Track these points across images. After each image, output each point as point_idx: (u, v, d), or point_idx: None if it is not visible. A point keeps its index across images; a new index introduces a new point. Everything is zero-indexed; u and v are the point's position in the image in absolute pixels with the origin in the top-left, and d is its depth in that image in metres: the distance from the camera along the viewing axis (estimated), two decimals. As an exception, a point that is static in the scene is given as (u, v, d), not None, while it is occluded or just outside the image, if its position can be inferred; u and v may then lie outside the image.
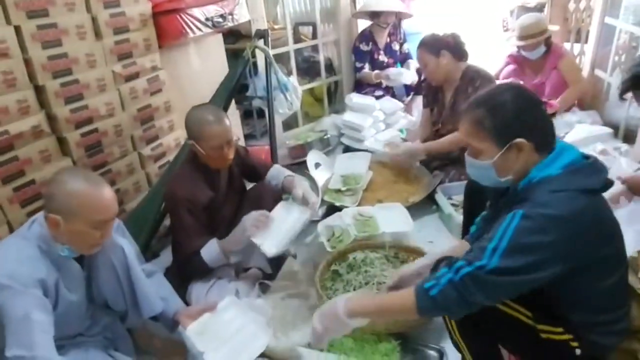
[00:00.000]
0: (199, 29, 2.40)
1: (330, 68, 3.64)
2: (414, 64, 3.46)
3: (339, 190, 2.51)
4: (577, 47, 3.15)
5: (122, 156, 2.25)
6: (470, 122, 1.18)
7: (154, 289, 1.54)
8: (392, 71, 3.28)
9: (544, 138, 1.15)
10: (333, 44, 3.55)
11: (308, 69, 3.62)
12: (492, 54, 3.50)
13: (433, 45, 2.43)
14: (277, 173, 2.09)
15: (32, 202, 1.84)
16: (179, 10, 2.29)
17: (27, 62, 1.76)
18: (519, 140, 1.11)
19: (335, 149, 3.09)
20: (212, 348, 1.44)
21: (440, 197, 2.35)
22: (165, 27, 2.30)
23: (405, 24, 4.50)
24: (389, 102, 3.19)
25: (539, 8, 3.58)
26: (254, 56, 2.32)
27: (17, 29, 1.71)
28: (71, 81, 1.92)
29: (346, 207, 2.37)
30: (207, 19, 2.44)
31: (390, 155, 2.65)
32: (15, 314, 1.15)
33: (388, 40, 3.44)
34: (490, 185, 1.24)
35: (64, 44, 1.88)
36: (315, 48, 3.49)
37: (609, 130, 2.52)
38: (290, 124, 3.53)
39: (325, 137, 3.06)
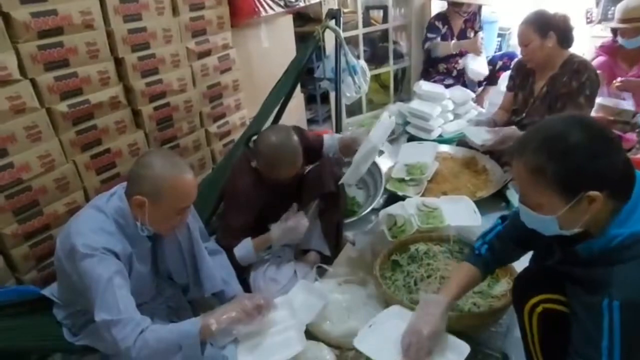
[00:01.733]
0: (272, 8, 2.40)
1: (398, 54, 3.51)
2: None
3: (402, 180, 2.42)
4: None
5: (190, 132, 2.31)
6: (526, 168, 0.97)
7: (217, 268, 1.56)
8: (470, 66, 3.09)
9: (622, 184, 0.95)
10: (404, 28, 3.42)
11: (375, 54, 3.53)
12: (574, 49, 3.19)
13: (542, 24, 2.18)
14: (332, 141, 2.03)
15: (107, 170, 1.93)
16: (252, -12, 2.29)
17: (109, 35, 1.83)
18: (592, 192, 0.92)
19: (399, 137, 2.98)
20: (247, 347, 1.42)
21: (511, 194, 2.20)
22: (239, 5, 2.32)
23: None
24: (459, 91, 3.02)
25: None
26: (323, 39, 2.26)
27: (102, 2, 1.78)
28: (148, 55, 1.98)
29: (409, 197, 2.28)
30: (280, -1, 2.43)
31: (482, 140, 2.38)
32: (100, 279, 1.19)
33: (463, 26, 3.26)
34: (552, 234, 1.04)
35: (143, 19, 1.94)
36: (384, 33, 3.37)
37: None
38: (353, 110, 3.47)
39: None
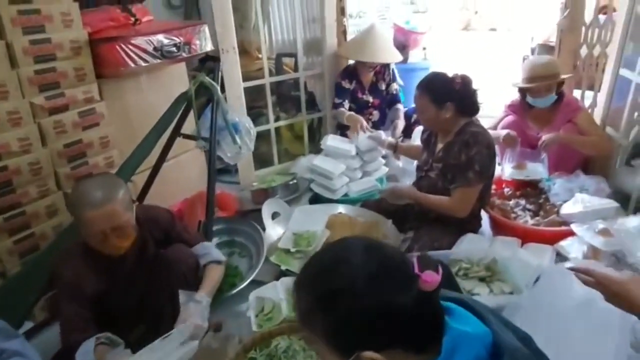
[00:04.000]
0: (144, 60, 2.16)
1: (313, 103, 3.34)
2: (402, 110, 3.14)
3: (288, 251, 2.17)
4: (586, 99, 2.74)
5: (41, 196, 2.01)
6: (300, 312, 0.78)
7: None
8: (373, 133, 2.77)
9: (417, 337, 0.73)
10: (317, 77, 3.26)
11: (289, 103, 3.34)
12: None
13: (438, 93, 2.01)
14: (203, 254, 1.78)
15: None
16: (119, 39, 2.06)
17: None
18: (366, 354, 0.69)
19: (302, 195, 2.76)
20: None
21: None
22: (104, 57, 2.08)
23: (412, 57, 4.23)
24: (367, 141, 2.79)
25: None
26: (195, 96, 2.03)
27: None
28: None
29: (293, 272, 2.04)
30: (155, 49, 2.21)
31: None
32: None
33: (374, 79, 3.13)
34: None
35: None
36: (298, 81, 3.20)
37: (614, 204, 2.09)
38: (266, 160, 3.24)
39: (293, 182, 2.73)
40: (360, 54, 3.00)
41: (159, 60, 2.23)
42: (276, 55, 3.42)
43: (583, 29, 2.57)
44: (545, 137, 2.39)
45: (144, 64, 2.15)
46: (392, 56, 3.13)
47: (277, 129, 3.28)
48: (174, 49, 2.28)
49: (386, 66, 3.15)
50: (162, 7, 3.47)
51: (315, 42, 3.23)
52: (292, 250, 2.15)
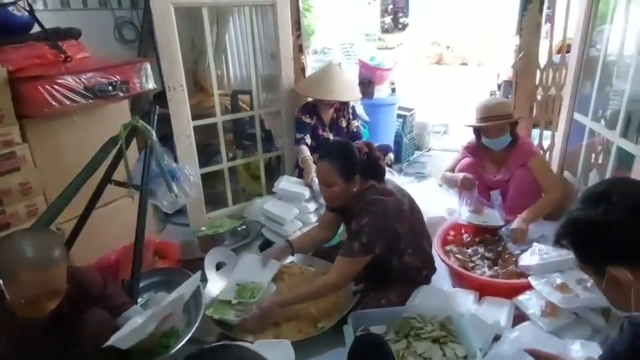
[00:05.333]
0: (72, 100, 2.00)
1: (271, 141, 3.21)
2: None
3: (229, 303, 1.99)
4: (546, 140, 2.69)
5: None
6: None
7: None
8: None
9: None
10: (274, 115, 3.14)
11: (246, 142, 3.21)
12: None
13: (346, 166, 1.89)
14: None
15: None
16: (42, 78, 1.90)
17: None
18: None
19: (254, 241, 2.58)
20: None
21: (347, 329, 1.80)
22: (25, 97, 1.91)
23: (379, 92, 4.18)
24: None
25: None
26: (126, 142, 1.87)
27: None
28: None
29: (230, 323, 1.89)
30: (86, 89, 2.05)
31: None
32: None
33: (334, 115, 3.04)
34: None
35: None
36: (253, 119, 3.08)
37: (572, 255, 1.98)
38: (221, 200, 3.06)
39: (242, 227, 2.56)
40: (316, 92, 2.91)
41: (91, 100, 2.07)
42: (232, 92, 3.30)
43: (538, 71, 2.54)
44: (512, 228, 2.24)
45: (71, 104, 1.99)
46: (350, 94, 3.04)
47: (234, 168, 3.14)
48: (109, 88, 2.13)
49: (346, 103, 3.07)
50: (115, 42, 3.34)
51: (273, 79, 3.14)
52: (234, 301, 1.96)
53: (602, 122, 2.09)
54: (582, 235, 1.14)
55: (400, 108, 4.39)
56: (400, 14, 14.52)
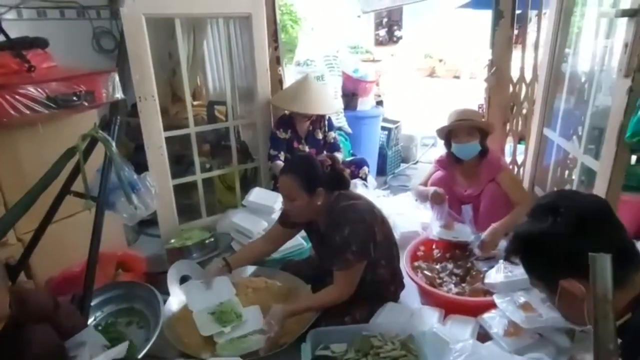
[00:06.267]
0: (33, 110, 1.97)
1: (247, 153, 3.19)
2: (340, 158, 3.01)
3: (221, 334, 1.86)
4: (519, 154, 2.67)
5: None
6: None
7: None
8: None
9: None
10: (249, 126, 3.12)
11: (222, 153, 3.18)
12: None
13: (308, 180, 1.86)
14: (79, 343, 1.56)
15: None
16: (3, 87, 1.86)
17: None
18: None
19: (221, 254, 2.52)
20: None
21: (304, 347, 1.74)
22: (-18, 106, 1.88)
23: (363, 105, 4.16)
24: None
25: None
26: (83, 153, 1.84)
27: None
28: None
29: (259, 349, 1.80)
30: (49, 98, 2.02)
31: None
32: None
33: (310, 128, 3.02)
34: None
35: None
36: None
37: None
38: (194, 211, 3.03)
39: (210, 240, 2.52)
40: (293, 105, 2.89)
41: (54, 110, 2.04)
42: (208, 102, 3.28)
43: (510, 86, 2.53)
44: (483, 238, 2.22)
45: (33, 114, 1.96)
46: (327, 107, 3.03)
47: (209, 180, 3.10)
48: (73, 98, 2.10)
49: (322, 115, 3.05)
50: (93, 52, 3.33)
51: (249, 91, 3.12)
52: (226, 331, 1.87)
53: (571, 138, 2.08)
54: (531, 249, 1.11)
55: (385, 120, 4.38)
56: (395, 27, 14.65)
